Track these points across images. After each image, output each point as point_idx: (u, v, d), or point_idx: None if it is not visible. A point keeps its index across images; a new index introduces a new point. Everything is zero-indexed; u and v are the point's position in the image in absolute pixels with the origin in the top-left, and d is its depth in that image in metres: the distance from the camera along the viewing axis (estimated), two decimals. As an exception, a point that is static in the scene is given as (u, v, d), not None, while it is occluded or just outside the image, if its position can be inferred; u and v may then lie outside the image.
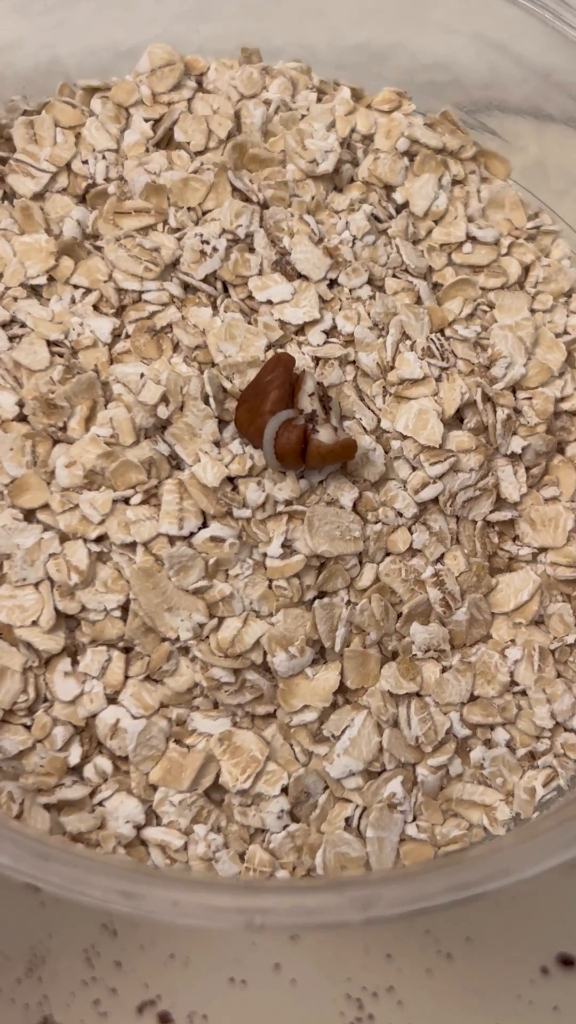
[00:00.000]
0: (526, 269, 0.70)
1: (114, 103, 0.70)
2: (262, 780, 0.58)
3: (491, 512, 0.64)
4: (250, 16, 0.74)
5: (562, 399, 0.67)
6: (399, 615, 0.61)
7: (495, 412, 0.64)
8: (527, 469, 0.65)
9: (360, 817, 0.59)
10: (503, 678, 0.61)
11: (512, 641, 0.63)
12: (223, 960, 0.65)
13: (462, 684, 0.61)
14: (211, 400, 0.61)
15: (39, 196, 0.68)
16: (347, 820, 0.59)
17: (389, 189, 0.70)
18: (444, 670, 0.61)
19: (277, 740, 0.60)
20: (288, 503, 0.60)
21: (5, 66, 0.71)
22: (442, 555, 0.62)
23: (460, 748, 0.61)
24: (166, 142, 0.70)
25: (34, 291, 0.65)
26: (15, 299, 0.65)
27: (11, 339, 0.63)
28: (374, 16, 0.75)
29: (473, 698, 0.61)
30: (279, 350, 0.63)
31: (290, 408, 0.59)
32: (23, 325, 0.64)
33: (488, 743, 0.61)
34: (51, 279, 0.65)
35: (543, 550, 0.64)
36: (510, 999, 0.64)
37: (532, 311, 0.69)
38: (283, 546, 0.60)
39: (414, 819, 0.60)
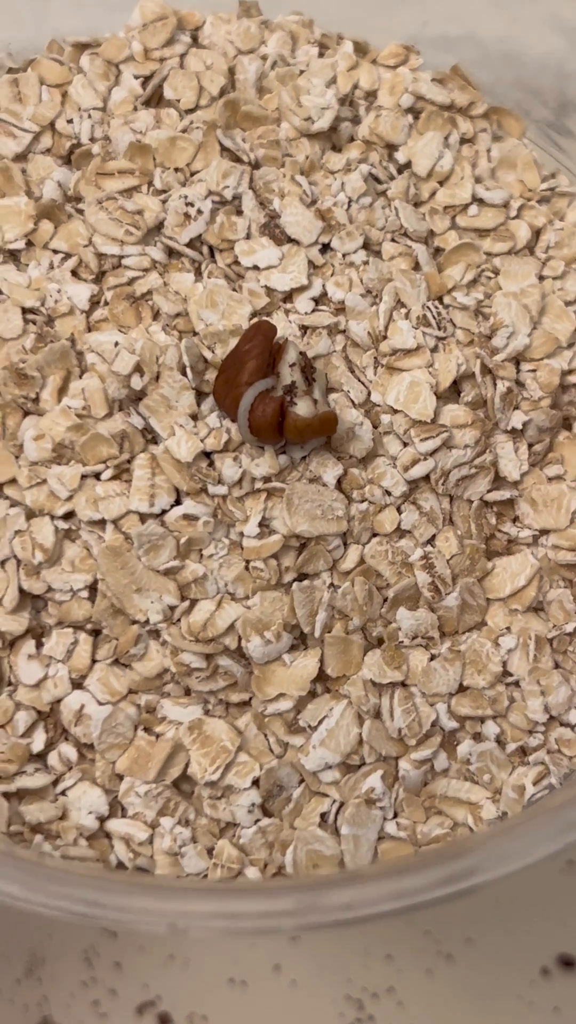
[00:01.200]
0: (537, 233, 0.66)
1: (103, 59, 0.67)
2: (232, 771, 0.55)
3: (489, 491, 0.60)
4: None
5: (570, 372, 0.62)
6: (385, 600, 0.57)
7: (495, 385, 0.60)
8: (529, 446, 0.61)
9: (337, 813, 0.55)
10: (495, 668, 0.57)
11: (507, 629, 0.59)
12: (223, 961, 0.64)
13: (450, 673, 0.57)
14: (188, 371, 0.58)
15: (21, 157, 0.65)
16: (323, 816, 0.55)
17: (391, 148, 0.66)
18: (432, 658, 0.57)
19: (251, 730, 0.56)
20: (266, 480, 0.57)
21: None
22: (433, 536, 0.59)
23: (446, 742, 0.57)
24: (156, 100, 0.67)
25: (12, 256, 0.62)
26: (-9, 264, 0.62)
27: (-13, 306, 0.61)
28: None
29: (462, 689, 0.58)
30: (263, 318, 0.59)
31: (269, 379, 0.56)
32: (2, 293, 0.61)
33: (477, 737, 0.57)
34: (29, 244, 0.62)
35: (544, 532, 0.60)
36: (510, 1000, 0.63)
37: (541, 278, 0.64)
38: (261, 525, 0.57)
39: (395, 816, 0.56)
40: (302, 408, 0.55)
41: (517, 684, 0.58)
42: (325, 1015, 0.63)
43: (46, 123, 0.65)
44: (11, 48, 0.68)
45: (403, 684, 0.57)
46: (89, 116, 0.65)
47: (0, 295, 0.61)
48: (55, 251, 0.62)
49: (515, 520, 0.61)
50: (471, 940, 0.65)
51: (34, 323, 0.60)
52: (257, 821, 0.55)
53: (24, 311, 0.60)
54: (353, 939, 0.65)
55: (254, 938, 0.64)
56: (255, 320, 0.59)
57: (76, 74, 0.67)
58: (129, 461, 0.57)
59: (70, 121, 0.65)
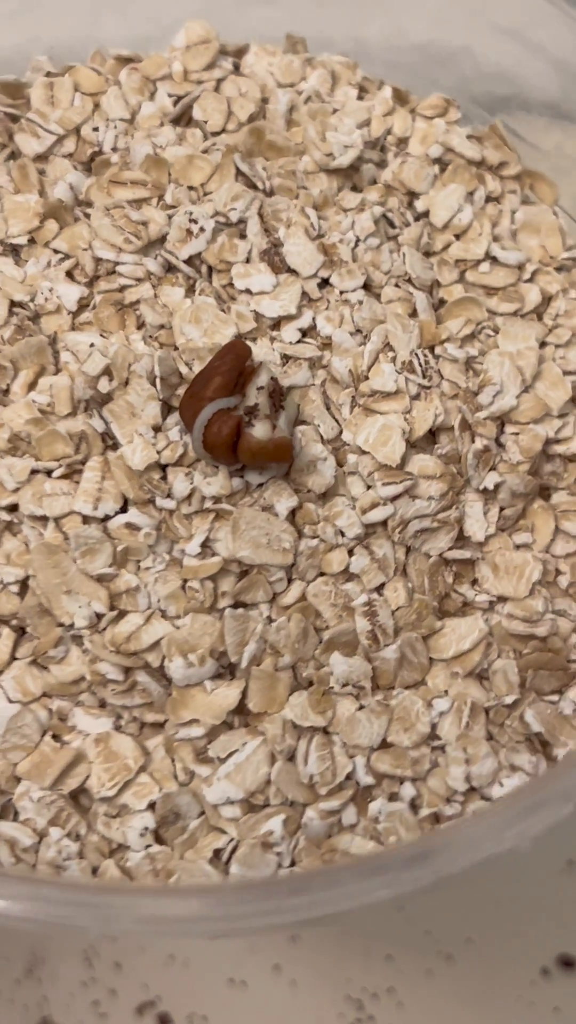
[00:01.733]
0: (548, 299, 0.64)
1: (142, 75, 0.67)
2: (131, 791, 0.53)
3: (450, 549, 0.57)
4: (308, 2, 0.71)
5: (558, 441, 0.60)
6: (320, 641, 0.55)
7: (473, 441, 0.58)
8: (501, 509, 0.58)
9: (232, 852, 0.53)
10: (423, 728, 0.55)
11: (445, 692, 0.56)
12: (223, 961, 0.64)
13: (375, 726, 0.54)
14: (158, 381, 0.57)
15: (42, 157, 0.65)
16: (216, 852, 0.53)
17: (412, 196, 0.65)
18: (360, 709, 0.55)
19: (159, 752, 0.54)
20: (216, 500, 0.55)
21: (39, 26, 0.69)
22: (382, 584, 0.56)
23: (359, 796, 0.54)
24: (185, 120, 0.67)
25: (13, 250, 0.62)
26: (-9, 255, 0.62)
27: (-22, 297, 0.61)
28: (439, 17, 0.70)
29: (385, 744, 0.55)
30: (239, 338, 0.58)
31: (234, 398, 0.54)
32: (-6, 284, 0.61)
33: (393, 797, 0.55)
34: (32, 241, 0.62)
35: (502, 599, 0.58)
36: (511, 1000, 0.63)
37: (543, 343, 0.62)
38: (203, 545, 0.55)
39: (291, 864, 0.53)
40: (258, 430, 0.53)
41: (443, 749, 0.55)
42: (325, 1015, 0.63)
43: (71, 127, 0.65)
44: (56, 52, 0.69)
45: (324, 730, 0.55)
46: (115, 126, 0.65)
47: (-8, 285, 0.61)
48: (55, 251, 0.62)
49: (474, 583, 0.58)
50: (471, 940, 0.64)
51: (18, 316, 0.60)
52: (148, 847, 0.53)
53: (12, 304, 0.60)
54: (353, 939, 0.64)
55: (256, 939, 0.64)
56: (234, 339, 0.58)
57: (112, 85, 0.67)
58: (83, 462, 0.56)
59: (96, 129, 0.65)
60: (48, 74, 0.68)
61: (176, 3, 0.69)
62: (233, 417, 0.54)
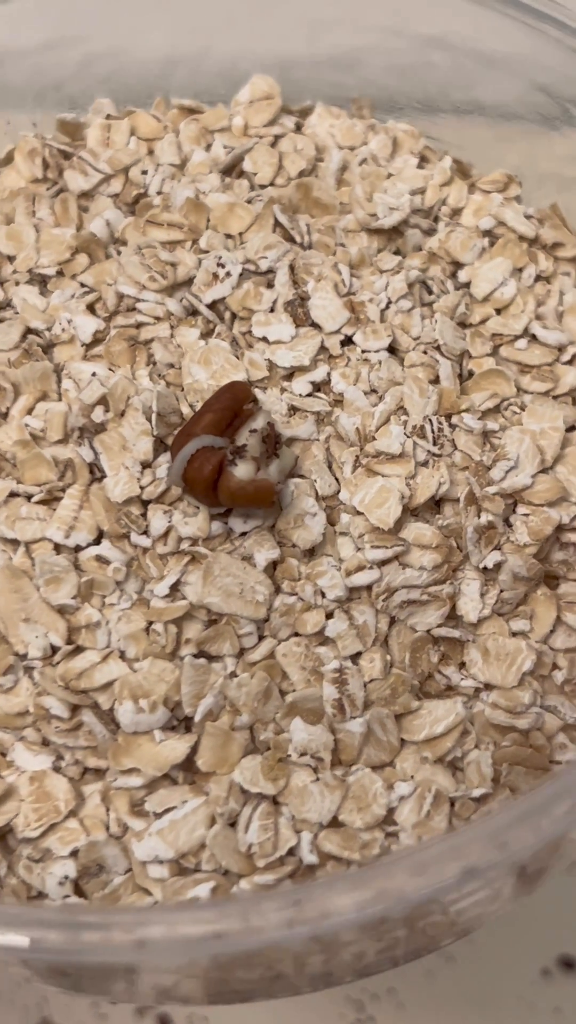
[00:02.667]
0: (586, 385, 0.61)
1: (202, 125, 0.67)
2: (56, 835, 0.50)
3: (439, 626, 0.53)
4: (390, 73, 0.70)
5: (573, 528, 0.56)
6: (283, 703, 0.52)
7: (479, 516, 0.54)
8: (500, 591, 0.54)
9: (154, 916, 0.49)
10: (378, 811, 0.50)
11: (412, 776, 0.52)
12: None
13: (327, 801, 0.50)
14: (154, 417, 0.54)
15: (87, 195, 0.64)
16: (138, 914, 0.49)
17: (456, 266, 0.63)
18: (315, 781, 0.51)
19: (94, 799, 0.51)
20: (192, 541, 0.53)
21: (111, 71, 0.69)
22: (358, 653, 0.53)
23: (299, 874, 0.50)
24: (236, 172, 0.65)
25: (42, 280, 0.61)
26: (17, 283, 0.61)
27: (-1, 321, 0.60)
28: (521, 96, 0.68)
29: (336, 823, 0.51)
30: (255, 390, 0.56)
31: (226, 439, 0.52)
32: (17, 311, 0.60)
33: (336, 881, 0.50)
34: (61, 273, 0.61)
35: (489, 687, 0.53)
36: (511, 1001, 0.63)
37: (572, 428, 0.58)
38: (174, 588, 0.52)
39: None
40: (240, 470, 0.51)
41: (397, 836, 0.51)
42: (325, 1016, 0.63)
43: (120, 168, 0.64)
44: (122, 96, 0.69)
45: (273, 799, 0.51)
46: (163, 170, 0.64)
47: (12, 311, 0.60)
48: (82, 284, 0.61)
49: (461, 666, 0.54)
50: (471, 941, 0.64)
51: (34, 343, 0.58)
52: (66, 897, 0.49)
53: (28, 331, 0.59)
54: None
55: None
56: (234, 380, 0.56)
57: (169, 132, 0.66)
58: (63, 490, 0.54)
59: (144, 172, 0.65)
60: (108, 116, 0.68)
61: (249, 61, 0.69)
62: (217, 454, 0.51)
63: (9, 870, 0.50)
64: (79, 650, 0.52)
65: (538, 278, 0.63)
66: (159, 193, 0.64)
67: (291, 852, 0.50)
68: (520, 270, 0.63)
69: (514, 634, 0.54)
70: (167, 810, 0.50)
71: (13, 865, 0.50)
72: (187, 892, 0.49)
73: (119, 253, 0.62)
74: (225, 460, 0.51)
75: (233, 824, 0.50)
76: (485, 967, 0.63)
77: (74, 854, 0.50)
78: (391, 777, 0.52)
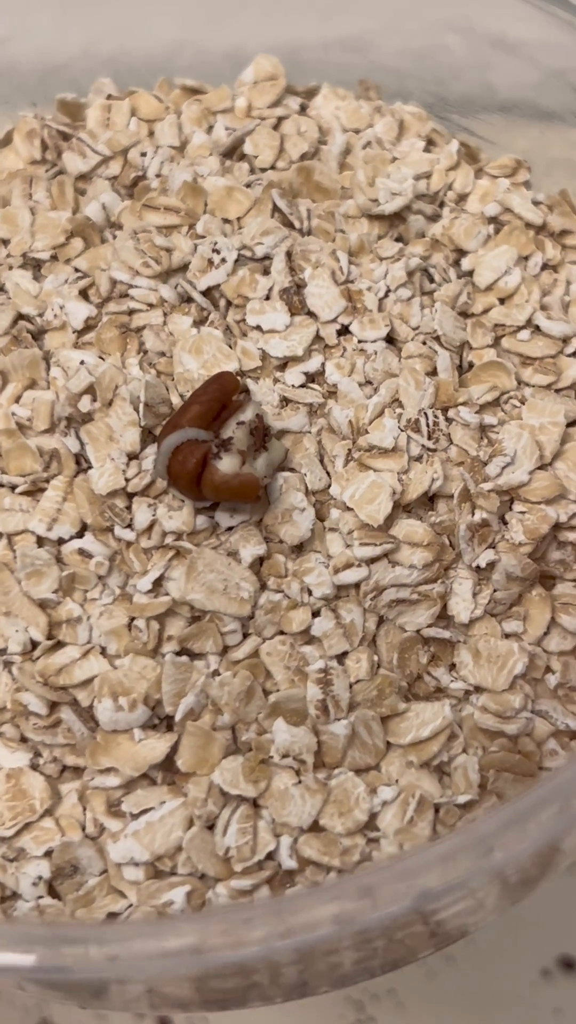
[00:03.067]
0: (590, 378, 0.59)
1: (204, 107, 0.65)
2: (30, 835, 0.49)
3: (429, 626, 0.52)
4: (403, 56, 0.68)
5: (571, 527, 0.54)
6: (266, 704, 0.50)
7: (472, 513, 0.53)
8: (494, 591, 0.53)
9: (128, 917, 0.48)
10: (360, 816, 0.49)
11: (396, 781, 0.51)
12: None
13: (307, 805, 0.49)
14: (141, 407, 0.53)
15: (85, 177, 0.63)
16: (112, 916, 0.48)
17: (460, 253, 0.61)
18: (297, 784, 0.50)
19: (71, 798, 0.50)
20: (177, 536, 0.51)
21: (115, 51, 0.68)
22: (344, 653, 0.51)
23: (276, 880, 0.49)
24: (237, 155, 0.64)
25: (35, 265, 0.60)
26: (10, 267, 0.60)
27: (-11, 305, 0.59)
28: (540, 82, 0.66)
29: (316, 827, 0.49)
30: (247, 380, 0.55)
31: (212, 430, 0.51)
32: (9, 296, 0.59)
33: (314, 887, 0.49)
34: (55, 257, 0.60)
35: (479, 690, 0.52)
36: (511, 1001, 0.63)
37: (573, 423, 0.57)
38: (157, 583, 0.51)
39: (189, 943, 0.48)
40: (225, 464, 0.49)
41: (378, 841, 0.49)
42: (326, 1016, 0.63)
43: (119, 149, 0.63)
44: (125, 78, 0.67)
45: (254, 802, 0.50)
46: (162, 152, 0.63)
47: (5, 296, 0.59)
48: (76, 269, 0.59)
49: (452, 667, 0.53)
50: (471, 941, 0.64)
51: (24, 329, 0.57)
52: (39, 898, 0.49)
53: (19, 316, 0.58)
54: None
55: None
56: (222, 371, 0.54)
57: (171, 114, 0.65)
58: (48, 481, 0.53)
59: (144, 154, 0.63)
60: (109, 96, 0.66)
61: (257, 41, 0.67)
62: (202, 448, 0.50)
63: (-17, 870, 0.49)
64: (59, 645, 0.51)
65: (544, 267, 0.61)
66: (157, 176, 0.62)
67: (270, 856, 0.49)
68: (526, 258, 0.61)
69: (507, 635, 0.53)
70: (144, 811, 0.49)
71: (-12, 864, 0.49)
72: (162, 896, 0.48)
73: (115, 237, 0.60)
74: (210, 453, 0.50)
75: (211, 827, 0.49)
76: (485, 967, 0.63)
77: (48, 854, 0.49)
78: (375, 781, 0.50)
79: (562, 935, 0.64)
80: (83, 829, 0.50)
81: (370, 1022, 0.61)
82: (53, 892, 0.49)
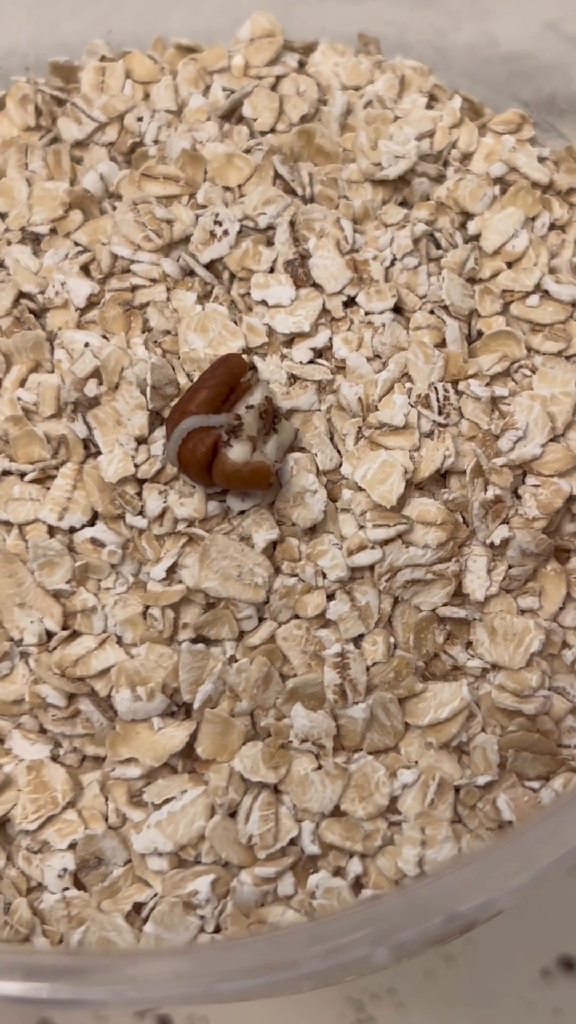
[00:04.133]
0: (602, 343, 0.58)
1: (200, 66, 0.64)
2: (53, 827, 0.49)
3: (444, 605, 0.52)
4: (399, 5, 0.66)
5: (584, 500, 0.54)
6: (284, 689, 0.50)
7: (485, 489, 0.52)
8: (508, 567, 0.53)
9: (154, 907, 0.48)
10: (381, 800, 0.49)
11: (416, 762, 0.51)
12: None
13: (328, 791, 0.49)
14: (148, 390, 0.53)
15: (81, 144, 0.62)
16: (137, 906, 0.49)
17: (466, 216, 0.60)
18: (317, 769, 0.50)
19: (92, 789, 0.50)
20: (189, 523, 0.51)
21: (107, 12, 0.66)
22: (360, 636, 0.51)
23: (300, 866, 0.49)
24: (235, 117, 0.62)
25: (34, 239, 0.59)
26: (9, 243, 0.59)
27: (-10, 283, 0.58)
28: (541, 29, 0.64)
29: (338, 812, 0.50)
30: (236, 352, 0.54)
31: (222, 416, 0.50)
32: (9, 272, 0.58)
33: (338, 872, 0.49)
34: (54, 231, 0.59)
35: (496, 668, 0.52)
36: (511, 1001, 0.63)
37: (587, 391, 0.56)
38: (170, 570, 0.51)
39: (215, 931, 0.49)
40: (236, 452, 0.49)
41: (400, 825, 0.50)
42: (326, 1016, 0.62)
43: (115, 115, 0.61)
44: (119, 38, 0.66)
45: (274, 788, 0.50)
46: (159, 117, 0.61)
47: (5, 272, 0.58)
48: (76, 243, 0.58)
49: (468, 645, 0.53)
50: (471, 941, 0.64)
51: (28, 308, 0.56)
52: (65, 890, 0.49)
53: (20, 294, 0.57)
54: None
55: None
56: (229, 352, 0.54)
57: (166, 75, 0.63)
58: (57, 468, 0.52)
59: (140, 119, 0.62)
60: (103, 59, 0.65)
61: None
62: (212, 435, 0.49)
63: (8, 861, 0.50)
64: (75, 635, 0.51)
65: (552, 227, 0.60)
66: (155, 142, 0.61)
67: (292, 842, 0.49)
68: (533, 219, 0.59)
69: (522, 612, 0.53)
70: (166, 801, 0.49)
71: (12, 856, 0.50)
72: (187, 885, 0.48)
73: (114, 208, 0.59)
74: (220, 441, 0.49)
75: (233, 814, 0.49)
76: (485, 967, 0.63)
77: (72, 847, 0.49)
78: (395, 763, 0.51)
79: (562, 935, 0.64)
80: (106, 820, 0.50)
81: (370, 1022, 0.61)
82: (78, 883, 0.49)
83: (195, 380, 0.53)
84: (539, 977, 0.62)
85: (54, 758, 0.51)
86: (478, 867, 0.39)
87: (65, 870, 0.49)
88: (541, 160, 0.61)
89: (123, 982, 0.36)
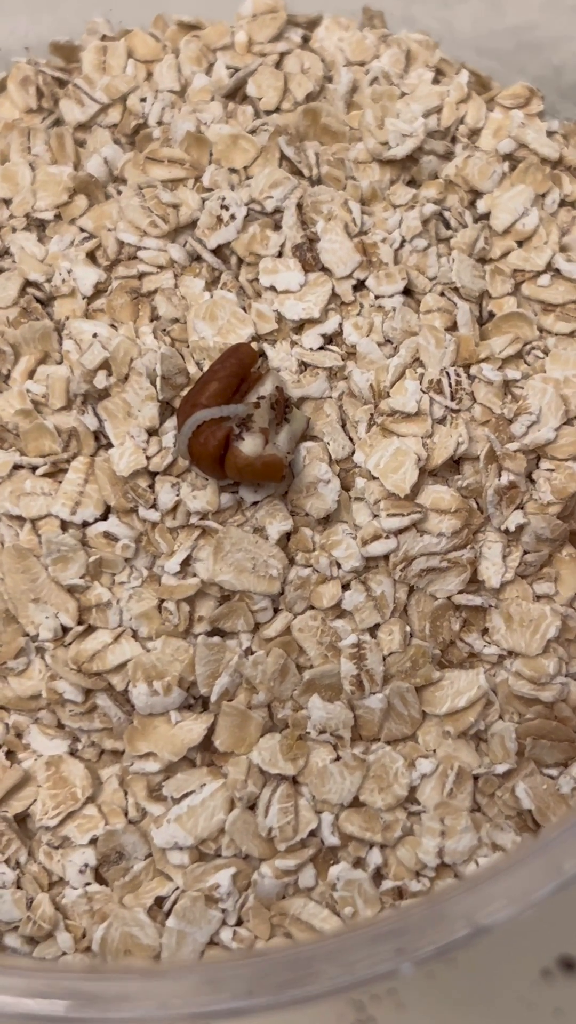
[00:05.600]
0: (614, 322, 0.57)
1: (203, 43, 0.63)
2: (74, 823, 0.50)
3: (460, 592, 0.52)
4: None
5: (600, 483, 0.54)
6: (301, 680, 0.50)
7: (499, 475, 0.52)
8: (524, 553, 0.52)
9: (176, 901, 0.49)
10: (400, 791, 0.49)
11: (434, 751, 0.51)
12: None
13: (347, 782, 0.49)
14: (158, 380, 0.52)
15: (84, 127, 0.61)
16: (159, 900, 0.49)
17: (475, 195, 0.59)
18: (336, 760, 0.50)
19: (112, 783, 0.51)
20: (202, 516, 0.51)
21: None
22: (376, 626, 0.51)
23: (320, 857, 0.50)
24: (240, 96, 0.62)
25: (39, 225, 0.58)
26: (14, 230, 0.58)
27: (-3, 271, 0.57)
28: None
29: (357, 803, 0.50)
30: (244, 342, 0.53)
31: (232, 407, 0.50)
32: (15, 260, 0.57)
33: (358, 863, 0.49)
34: (59, 217, 0.58)
35: (512, 655, 0.52)
36: (511, 1001, 0.62)
37: (600, 372, 0.56)
38: (184, 564, 0.51)
39: (237, 923, 0.49)
40: (248, 445, 0.49)
41: (419, 816, 0.50)
42: (326, 1017, 0.61)
43: (118, 96, 0.61)
44: (119, 15, 0.65)
45: (293, 780, 0.50)
46: (163, 98, 0.61)
47: (11, 260, 0.57)
48: (81, 229, 0.58)
49: (484, 632, 0.52)
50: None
51: (34, 298, 0.56)
52: (87, 885, 0.49)
53: (27, 283, 0.56)
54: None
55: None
56: (258, 345, 0.54)
57: (168, 54, 0.62)
58: (68, 461, 0.52)
59: (143, 100, 0.61)
60: (104, 38, 0.64)
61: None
62: (223, 428, 0.49)
63: (30, 856, 0.50)
64: (90, 630, 0.51)
65: (562, 203, 0.59)
66: (159, 123, 0.60)
67: (312, 834, 0.49)
68: (543, 196, 0.59)
69: (538, 598, 0.53)
70: (185, 795, 0.49)
71: (33, 851, 0.50)
72: (208, 879, 0.48)
73: (119, 192, 0.58)
74: (232, 434, 0.49)
75: (252, 807, 0.50)
76: (485, 967, 0.63)
77: (93, 842, 0.49)
78: (413, 753, 0.51)
79: (562, 935, 0.63)
80: (126, 815, 0.50)
81: (370, 1022, 0.61)
82: (100, 878, 0.50)
83: (205, 369, 0.53)
84: (539, 977, 0.62)
85: (72, 753, 0.51)
86: (501, 878, 0.39)
87: (86, 865, 0.49)
88: (550, 135, 0.60)
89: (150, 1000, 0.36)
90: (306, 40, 0.64)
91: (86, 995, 0.37)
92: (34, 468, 0.52)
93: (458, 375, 0.53)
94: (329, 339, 0.55)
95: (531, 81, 0.62)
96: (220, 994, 0.38)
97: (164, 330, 0.55)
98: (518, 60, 0.63)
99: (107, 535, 0.51)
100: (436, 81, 0.62)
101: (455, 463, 0.53)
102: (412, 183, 0.59)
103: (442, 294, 0.56)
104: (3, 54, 0.64)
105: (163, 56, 0.62)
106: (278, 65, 0.62)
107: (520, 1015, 0.61)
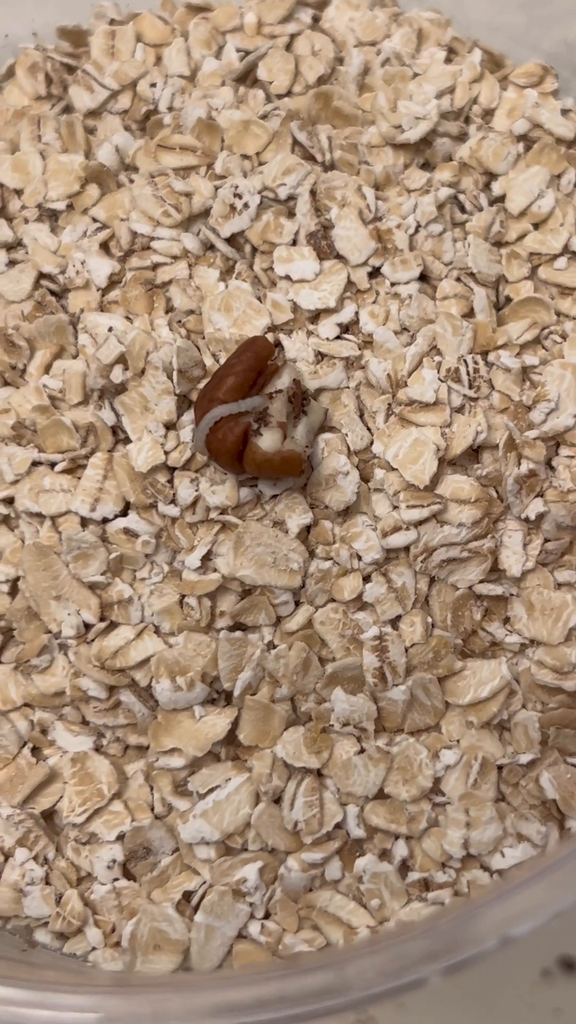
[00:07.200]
0: (633, 305, 0.57)
1: (212, 26, 0.62)
2: (101, 819, 0.50)
3: (481, 582, 0.52)
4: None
5: (620, 468, 0.53)
6: (324, 673, 0.50)
7: (518, 464, 0.52)
8: (545, 541, 0.52)
9: (203, 896, 0.49)
10: (424, 782, 0.50)
11: (457, 741, 0.51)
12: None
13: (372, 775, 0.50)
14: (175, 374, 0.52)
15: (94, 114, 0.60)
16: (187, 894, 0.49)
17: (489, 177, 0.58)
18: (360, 753, 0.50)
19: (137, 779, 0.51)
20: (222, 511, 0.51)
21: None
22: (397, 617, 0.51)
23: (346, 849, 0.50)
24: (250, 80, 0.61)
25: (51, 215, 0.58)
26: (26, 220, 0.58)
27: (10, 263, 0.57)
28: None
29: (382, 795, 0.50)
30: (261, 334, 0.53)
31: (250, 400, 0.49)
32: (28, 251, 0.57)
33: (384, 855, 0.50)
34: (71, 207, 0.58)
35: (534, 643, 0.52)
36: (511, 1001, 0.61)
37: (618, 356, 0.55)
38: (205, 559, 0.51)
39: (265, 917, 0.49)
40: (266, 440, 0.48)
41: (444, 807, 0.50)
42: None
43: (127, 82, 0.60)
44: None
45: (318, 773, 0.50)
46: (173, 83, 0.60)
47: (24, 251, 0.57)
48: (94, 219, 0.57)
49: (506, 621, 0.52)
50: None
51: (49, 291, 0.56)
52: (115, 880, 0.50)
53: (41, 275, 0.56)
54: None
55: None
56: (274, 336, 0.53)
57: (177, 37, 0.62)
58: (87, 457, 0.52)
59: (153, 85, 0.60)
60: (112, 22, 0.63)
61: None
62: (241, 424, 0.49)
63: (58, 852, 0.50)
64: (113, 627, 0.51)
65: (579, 184, 0.59)
66: (170, 109, 0.60)
67: (338, 827, 0.50)
68: (558, 177, 0.58)
69: (560, 586, 0.52)
70: (211, 790, 0.50)
71: (61, 847, 0.50)
72: (235, 873, 0.49)
73: (131, 181, 0.58)
74: (250, 429, 0.49)
75: (278, 801, 0.50)
76: (485, 967, 0.62)
77: (120, 838, 0.50)
78: (436, 744, 0.51)
79: (562, 935, 0.63)
80: (152, 810, 0.50)
81: (370, 1022, 0.60)
82: (127, 873, 0.50)
83: (221, 361, 0.52)
84: (539, 977, 0.61)
85: (97, 749, 0.51)
86: (525, 890, 0.39)
87: (114, 861, 0.49)
88: (564, 113, 0.60)
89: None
90: (316, 20, 0.63)
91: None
92: (52, 464, 0.52)
93: (476, 363, 0.53)
94: (345, 328, 0.54)
95: (544, 58, 0.61)
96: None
97: (179, 322, 0.54)
98: (531, 36, 0.62)
99: (127, 531, 0.51)
100: (448, 60, 0.62)
101: (474, 452, 0.53)
102: (426, 165, 0.59)
103: (458, 279, 0.55)
104: (11, 40, 0.63)
105: (172, 39, 0.62)
106: (288, 47, 0.61)
107: (520, 1015, 0.61)
